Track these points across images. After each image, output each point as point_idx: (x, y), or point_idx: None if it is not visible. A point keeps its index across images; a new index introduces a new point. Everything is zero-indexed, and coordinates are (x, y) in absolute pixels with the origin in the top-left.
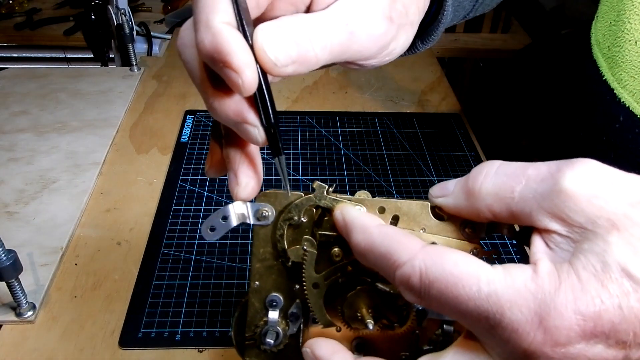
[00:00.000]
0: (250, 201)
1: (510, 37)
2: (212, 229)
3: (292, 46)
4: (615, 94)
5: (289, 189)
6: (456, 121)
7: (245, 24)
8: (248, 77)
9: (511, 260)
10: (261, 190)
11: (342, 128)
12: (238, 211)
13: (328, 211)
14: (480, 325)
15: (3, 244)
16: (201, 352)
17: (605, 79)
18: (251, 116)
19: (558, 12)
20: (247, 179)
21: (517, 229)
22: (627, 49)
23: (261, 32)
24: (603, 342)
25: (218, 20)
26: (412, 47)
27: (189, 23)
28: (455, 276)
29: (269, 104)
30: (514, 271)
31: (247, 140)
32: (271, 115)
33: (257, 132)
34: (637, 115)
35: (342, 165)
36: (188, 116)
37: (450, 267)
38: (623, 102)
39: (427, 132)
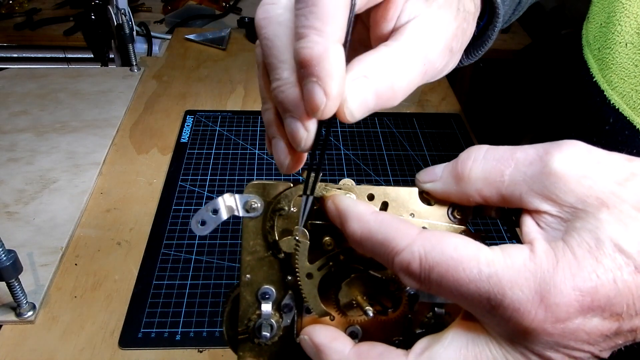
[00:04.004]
0: (238, 193)
1: (510, 37)
2: (202, 223)
3: (372, 100)
4: (606, 95)
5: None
6: (456, 121)
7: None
8: (333, 106)
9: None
10: (251, 179)
11: (342, 128)
12: (227, 204)
13: (317, 200)
14: (481, 307)
15: (3, 244)
16: (201, 352)
17: (596, 81)
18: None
19: (558, 12)
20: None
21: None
22: (618, 51)
23: (348, 89)
24: (599, 316)
25: (333, 36)
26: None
27: None
28: (455, 259)
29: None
30: (512, 251)
31: (289, 135)
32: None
33: (306, 136)
34: (626, 118)
35: (342, 165)
36: (188, 116)
37: (449, 250)
38: (613, 104)
39: (427, 132)
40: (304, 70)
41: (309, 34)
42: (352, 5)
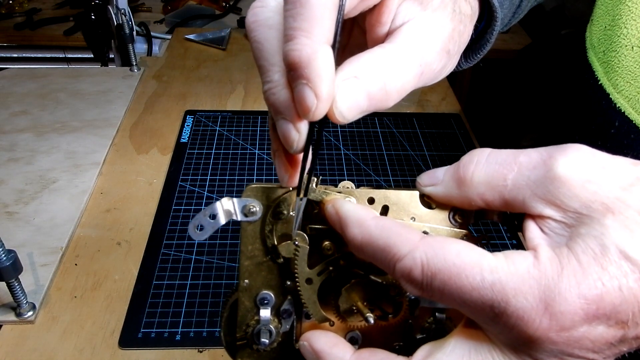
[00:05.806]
0: (236, 197)
1: (510, 37)
2: (200, 228)
3: (363, 101)
4: (611, 99)
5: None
6: (456, 121)
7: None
8: (324, 108)
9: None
10: (251, 180)
11: (342, 128)
12: (225, 208)
13: (317, 204)
14: (484, 314)
15: (3, 244)
16: (201, 352)
17: (601, 84)
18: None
19: (558, 12)
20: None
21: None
22: (623, 54)
23: (338, 90)
24: (604, 324)
25: (321, 38)
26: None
27: (263, 1)
28: (457, 266)
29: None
30: (516, 258)
31: (281, 137)
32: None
33: (298, 137)
34: (632, 121)
35: (342, 165)
36: (188, 116)
37: (452, 257)
38: (619, 107)
39: (427, 132)
40: (293, 73)
41: (297, 35)
42: (341, 7)
